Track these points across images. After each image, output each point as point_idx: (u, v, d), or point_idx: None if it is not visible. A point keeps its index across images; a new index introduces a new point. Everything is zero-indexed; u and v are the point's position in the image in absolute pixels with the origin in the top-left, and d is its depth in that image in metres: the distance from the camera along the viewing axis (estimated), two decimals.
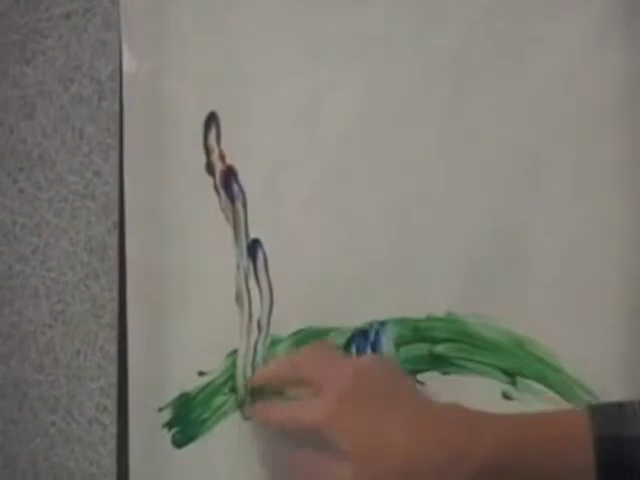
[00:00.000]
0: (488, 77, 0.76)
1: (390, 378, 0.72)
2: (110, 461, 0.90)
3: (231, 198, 0.82)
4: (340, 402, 0.68)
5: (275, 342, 0.81)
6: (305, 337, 0.80)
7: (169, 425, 0.83)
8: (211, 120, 0.82)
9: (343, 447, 0.66)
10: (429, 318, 0.78)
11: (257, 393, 0.80)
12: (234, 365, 0.82)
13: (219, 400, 0.83)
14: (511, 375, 0.76)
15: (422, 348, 0.78)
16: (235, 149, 0.81)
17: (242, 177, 0.81)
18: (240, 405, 0.82)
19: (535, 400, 0.76)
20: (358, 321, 0.80)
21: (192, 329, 0.83)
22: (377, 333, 0.79)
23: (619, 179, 0.74)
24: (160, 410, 0.83)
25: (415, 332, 0.78)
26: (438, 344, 0.78)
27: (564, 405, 0.75)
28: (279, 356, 0.80)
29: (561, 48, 0.75)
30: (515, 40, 0.76)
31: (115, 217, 0.86)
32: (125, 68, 0.84)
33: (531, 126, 0.74)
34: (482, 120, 0.75)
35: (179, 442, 0.84)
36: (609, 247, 0.71)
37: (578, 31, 0.75)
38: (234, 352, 0.82)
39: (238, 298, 0.82)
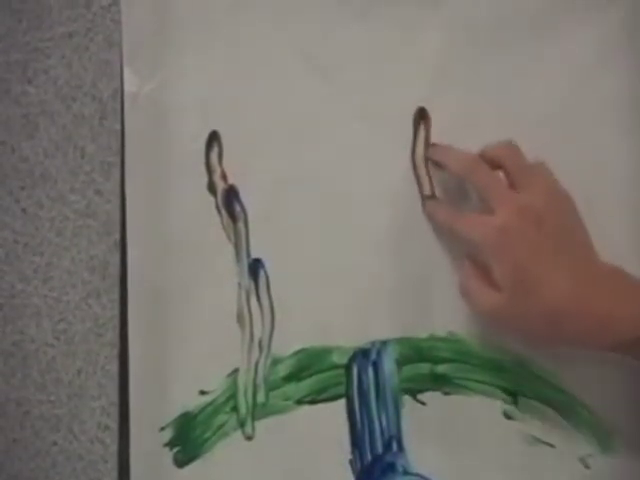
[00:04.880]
0: (490, 94, 0.77)
1: (569, 224, 0.68)
2: None
3: (233, 217, 0.82)
4: (514, 229, 0.64)
5: (276, 362, 0.81)
6: (306, 357, 0.80)
7: (170, 444, 0.83)
8: (213, 139, 0.82)
9: (499, 276, 0.64)
10: (431, 337, 0.78)
11: None
12: (235, 384, 0.82)
13: (220, 419, 0.82)
14: (513, 394, 0.77)
15: (424, 368, 0.78)
16: (237, 169, 0.82)
17: (244, 197, 0.81)
18: (241, 424, 0.82)
19: (536, 419, 0.76)
20: (359, 340, 0.80)
21: (193, 348, 0.83)
22: (379, 352, 0.79)
23: (621, 201, 0.74)
24: (161, 429, 0.83)
25: (417, 351, 0.78)
26: (440, 364, 0.78)
27: (565, 425, 0.75)
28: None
29: (561, 69, 0.76)
30: (514, 61, 0.77)
31: (117, 236, 0.86)
32: (126, 87, 0.85)
33: (531, 147, 0.74)
34: (483, 138, 0.75)
35: (180, 461, 0.83)
36: None
37: (578, 52, 0.75)
38: (235, 371, 0.82)
39: (239, 317, 0.82)
